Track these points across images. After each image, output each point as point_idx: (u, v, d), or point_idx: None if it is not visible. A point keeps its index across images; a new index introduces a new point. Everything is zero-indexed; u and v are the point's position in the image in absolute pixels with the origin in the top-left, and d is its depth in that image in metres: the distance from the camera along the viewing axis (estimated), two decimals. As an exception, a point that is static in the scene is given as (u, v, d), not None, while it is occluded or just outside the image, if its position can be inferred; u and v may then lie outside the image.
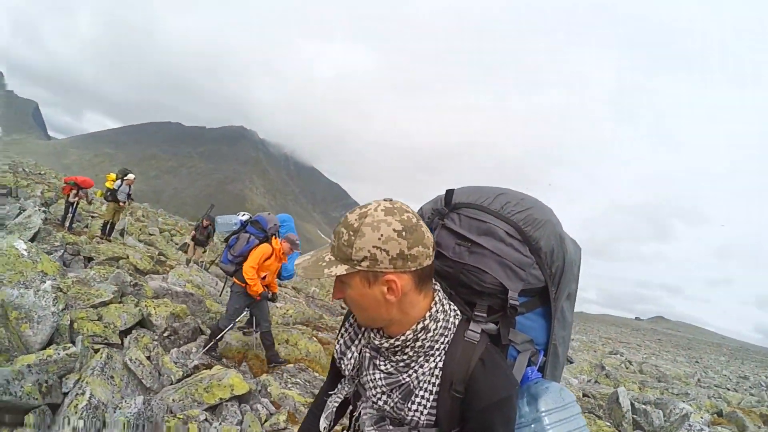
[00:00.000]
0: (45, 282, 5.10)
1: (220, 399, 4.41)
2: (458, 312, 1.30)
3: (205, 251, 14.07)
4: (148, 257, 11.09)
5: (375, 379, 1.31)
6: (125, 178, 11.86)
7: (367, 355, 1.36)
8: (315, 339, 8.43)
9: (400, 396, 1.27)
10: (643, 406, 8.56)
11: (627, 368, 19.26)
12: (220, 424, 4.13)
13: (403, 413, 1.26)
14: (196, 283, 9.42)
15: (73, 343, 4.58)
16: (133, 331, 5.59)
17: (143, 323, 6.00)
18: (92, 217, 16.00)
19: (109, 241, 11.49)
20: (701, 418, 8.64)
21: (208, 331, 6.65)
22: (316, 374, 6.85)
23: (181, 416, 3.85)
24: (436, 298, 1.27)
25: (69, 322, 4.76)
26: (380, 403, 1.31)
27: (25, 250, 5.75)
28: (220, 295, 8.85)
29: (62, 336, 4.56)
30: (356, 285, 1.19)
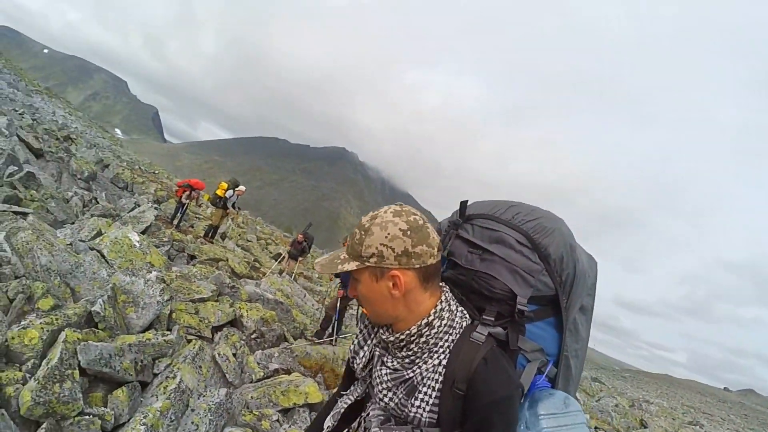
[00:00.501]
0: (151, 272, 5.65)
1: (294, 404, 4.59)
2: (466, 315, 1.34)
3: (297, 264, 14.73)
4: (245, 262, 11.83)
5: (382, 375, 1.36)
6: (236, 189, 12.83)
7: (377, 352, 1.42)
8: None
9: (404, 392, 1.30)
10: None
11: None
12: (290, 426, 4.30)
13: (406, 410, 1.29)
14: (285, 293, 9.89)
15: (170, 330, 5.01)
16: (224, 329, 5.98)
17: (234, 323, 6.41)
18: (197, 218, 17.32)
19: (212, 243, 12.40)
20: None
21: (292, 339, 6.97)
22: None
23: (257, 413, 4.06)
24: (443, 298, 1.33)
25: (169, 311, 5.23)
26: (386, 400, 1.34)
27: (138, 241, 6.42)
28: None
29: (161, 323, 5.00)
30: (365, 280, 1.28)
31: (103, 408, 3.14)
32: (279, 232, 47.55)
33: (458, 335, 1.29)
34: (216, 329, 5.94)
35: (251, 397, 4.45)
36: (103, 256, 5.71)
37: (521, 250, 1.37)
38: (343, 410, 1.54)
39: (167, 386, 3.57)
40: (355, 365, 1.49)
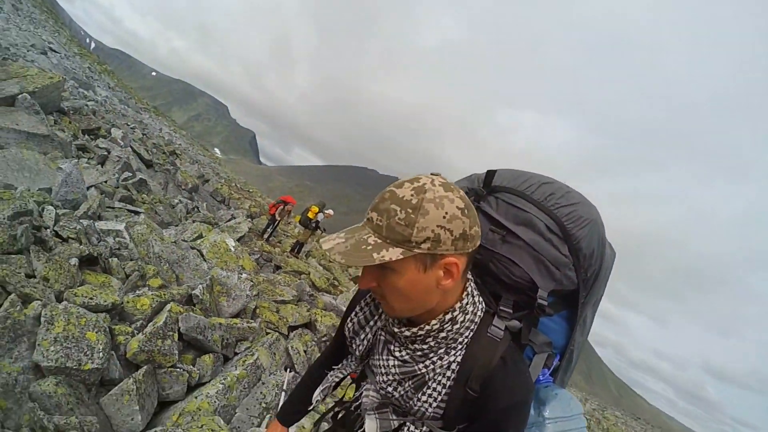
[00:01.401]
0: (242, 274, 6.38)
1: (350, 398, 4.97)
2: (484, 304, 1.19)
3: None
4: (325, 278, 12.52)
5: (388, 365, 1.22)
6: (326, 211, 13.76)
7: (382, 338, 1.27)
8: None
9: (412, 386, 1.19)
10: None
11: None
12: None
13: (411, 403, 1.19)
14: (357, 309, 10.36)
15: (253, 320, 5.64)
16: (299, 329, 6.55)
17: (308, 326, 6.97)
18: (286, 236, 18.40)
19: (297, 257, 13.27)
20: None
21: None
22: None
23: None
24: (469, 288, 1.16)
25: (254, 306, 5.88)
26: (389, 389, 1.23)
27: (233, 246, 7.23)
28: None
29: (247, 314, 5.64)
30: (409, 270, 1.04)
31: (191, 366, 3.73)
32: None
33: (476, 326, 1.16)
34: (292, 328, 6.51)
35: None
36: (202, 255, 6.54)
37: (551, 238, 1.22)
38: (334, 384, 1.46)
39: (246, 361, 4.13)
40: (354, 346, 1.36)
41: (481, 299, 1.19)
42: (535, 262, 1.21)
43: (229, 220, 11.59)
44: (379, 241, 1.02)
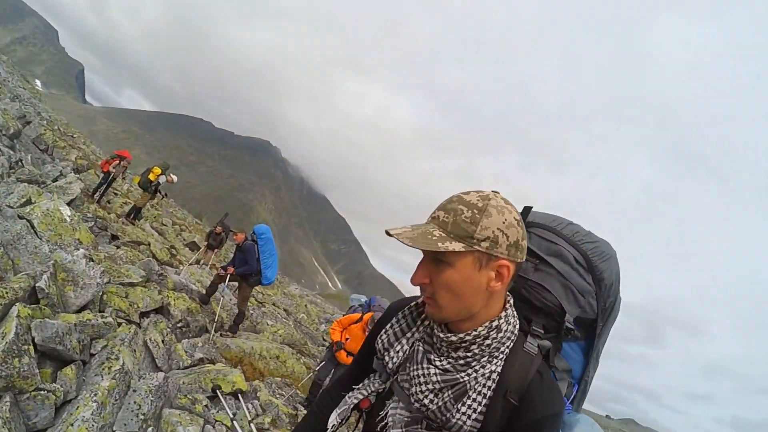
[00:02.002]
0: (79, 249, 5.60)
1: (222, 391, 4.82)
2: (518, 325, 1.26)
3: (213, 255, 14.54)
4: (166, 249, 11.58)
5: (429, 374, 1.21)
6: (169, 175, 12.52)
7: (421, 349, 1.27)
8: (301, 361, 8.81)
9: (451, 396, 1.18)
10: None
11: None
12: (218, 412, 4.53)
13: (449, 415, 1.18)
14: (204, 284, 9.84)
15: (102, 311, 5.05)
16: (151, 315, 6.03)
17: (160, 310, 6.44)
18: (115, 194, 16.40)
19: (134, 224, 12.01)
20: None
21: (213, 331, 7.09)
22: (298, 392, 7.21)
23: (190, 397, 4.27)
24: (509, 302, 1.24)
25: (101, 293, 5.23)
26: (426, 401, 1.21)
27: (69, 216, 6.28)
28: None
29: (95, 304, 5.01)
30: (465, 266, 1.11)
31: (54, 384, 3.23)
32: (190, 218, 45.72)
33: (513, 343, 1.22)
34: (143, 314, 5.97)
35: (183, 382, 4.63)
36: (32, 227, 5.56)
37: (578, 268, 1.35)
38: (353, 406, 1.41)
39: (111, 367, 3.70)
40: (386, 359, 1.33)
41: (516, 317, 1.25)
42: (563, 289, 1.32)
43: (57, 178, 9.87)
44: (443, 234, 1.11)
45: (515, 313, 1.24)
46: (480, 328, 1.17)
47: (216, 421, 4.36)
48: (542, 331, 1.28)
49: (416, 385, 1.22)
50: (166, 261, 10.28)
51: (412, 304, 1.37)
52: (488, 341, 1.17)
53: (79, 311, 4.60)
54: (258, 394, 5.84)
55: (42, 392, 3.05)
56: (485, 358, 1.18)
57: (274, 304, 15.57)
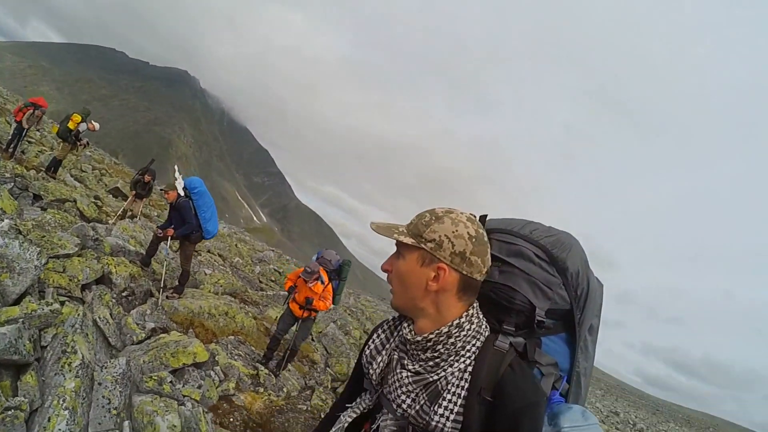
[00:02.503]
0: (3, 220, 5.08)
1: (184, 364, 4.72)
2: (488, 326, 1.32)
3: (143, 204, 13.71)
4: (92, 203, 10.72)
5: (402, 377, 1.29)
6: (90, 122, 11.35)
7: (395, 356, 1.36)
8: (250, 314, 8.75)
9: (426, 398, 1.24)
10: None
11: None
12: (183, 386, 4.46)
13: (428, 418, 1.22)
14: (139, 240, 9.29)
15: (42, 294, 4.67)
16: (94, 288, 5.64)
17: (102, 280, 6.05)
18: (29, 142, 14.83)
19: (54, 178, 10.96)
20: None
21: (157, 293, 6.80)
22: (253, 348, 7.22)
23: (155, 377, 4.14)
24: (474, 306, 1.31)
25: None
26: (404, 406, 1.27)
27: (-15, 183, 5.61)
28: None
29: (33, 287, 4.60)
30: (411, 259, 1.27)
31: (18, 398, 2.96)
32: (108, 158, 42.39)
33: (482, 342, 1.27)
34: (84, 287, 5.59)
35: (143, 361, 4.47)
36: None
37: (540, 263, 1.38)
38: (347, 424, 1.45)
39: (71, 363, 3.47)
40: (370, 371, 1.41)
41: (485, 319, 1.32)
42: (529, 285, 1.36)
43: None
44: (404, 231, 1.31)
45: (480, 314, 1.31)
46: (443, 328, 1.25)
47: (185, 396, 4.30)
48: (513, 329, 1.33)
49: (394, 391, 1.31)
50: (94, 217, 9.54)
51: (390, 319, 1.49)
52: (452, 339, 1.24)
53: (18, 300, 4.21)
54: (217, 359, 5.78)
55: (9, 412, 2.82)
56: (452, 357, 1.24)
57: (208, 251, 15.10)
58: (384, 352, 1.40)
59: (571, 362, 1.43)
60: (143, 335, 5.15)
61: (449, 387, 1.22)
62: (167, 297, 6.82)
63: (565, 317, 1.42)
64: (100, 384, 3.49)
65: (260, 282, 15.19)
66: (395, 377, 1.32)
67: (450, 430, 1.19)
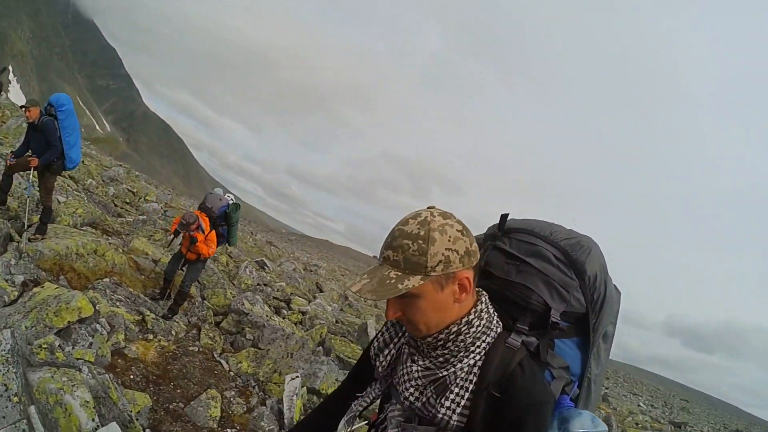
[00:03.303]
0: None
1: (69, 322, 4.12)
2: (500, 322, 1.28)
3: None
4: None
5: (412, 371, 1.27)
6: None
7: (406, 350, 1.34)
8: (120, 250, 7.86)
9: (434, 391, 1.22)
10: None
11: (365, 301, 19.92)
12: (74, 348, 3.93)
13: (434, 410, 1.21)
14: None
15: None
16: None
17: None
18: None
19: None
20: None
21: (18, 235, 5.72)
22: (131, 290, 6.58)
23: (44, 345, 3.56)
24: (482, 299, 1.26)
25: None
26: (411, 399, 1.26)
27: None
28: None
29: None
30: (428, 293, 1.16)
31: None
32: None
33: (494, 338, 1.24)
34: None
35: (25, 327, 3.79)
36: None
37: (558, 264, 1.35)
38: (359, 413, 1.43)
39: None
40: (377, 364, 1.39)
41: (495, 313, 1.28)
42: (546, 286, 1.33)
43: None
44: (399, 273, 1.14)
45: (491, 309, 1.27)
46: (452, 326, 1.20)
47: (78, 360, 3.81)
48: (527, 329, 1.30)
49: (403, 383, 1.29)
50: None
51: None
52: (461, 336, 1.20)
53: None
54: (98, 308, 5.16)
55: None
56: (462, 353, 1.20)
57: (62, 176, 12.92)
58: (392, 346, 1.38)
59: (582, 367, 1.41)
60: (15, 293, 4.34)
61: (457, 381, 1.20)
62: (29, 240, 5.76)
63: (580, 321, 1.39)
64: (-8, 365, 2.91)
65: (116, 206, 13.56)
66: (405, 370, 1.29)
67: (455, 423, 1.19)
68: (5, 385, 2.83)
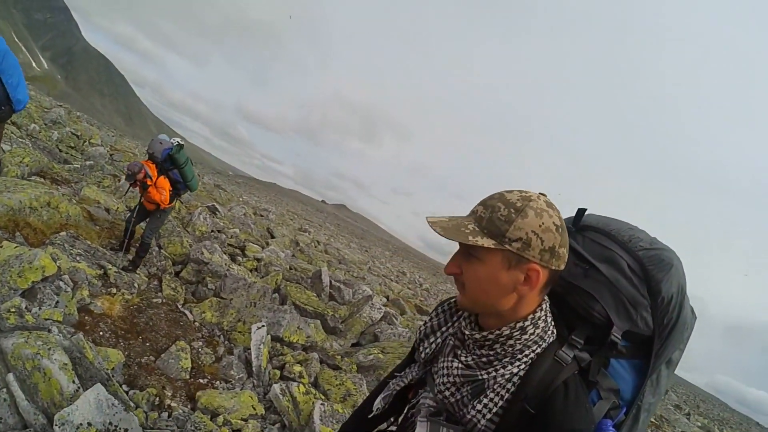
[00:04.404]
0: None
1: (33, 282, 3.92)
2: (555, 331, 1.14)
3: None
4: None
5: (452, 367, 1.16)
6: None
7: (451, 343, 1.24)
8: (73, 201, 7.38)
9: (469, 392, 1.12)
10: (337, 284, 10.05)
11: (316, 247, 20.22)
12: (41, 309, 3.76)
13: (465, 411, 1.11)
14: None
15: None
16: None
17: None
18: None
19: None
20: (379, 300, 10.19)
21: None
22: (88, 242, 6.25)
23: (13, 309, 3.38)
24: (544, 306, 1.13)
25: None
26: (446, 393, 1.16)
27: None
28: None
29: None
30: (494, 264, 1.05)
31: None
32: None
33: (543, 349, 1.10)
34: None
35: None
36: None
37: (631, 277, 1.17)
38: (395, 392, 1.37)
39: None
40: (420, 349, 1.31)
41: (553, 323, 1.14)
42: (613, 298, 1.16)
43: None
44: (477, 229, 1.06)
45: (549, 318, 1.14)
46: (504, 328, 1.10)
47: (46, 320, 3.66)
48: (582, 342, 1.14)
49: (441, 377, 1.19)
50: None
51: (452, 300, 1.33)
52: (511, 341, 1.09)
53: None
54: (59, 263, 4.90)
55: None
56: (507, 359, 1.09)
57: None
58: (438, 334, 1.29)
59: (635, 393, 1.20)
60: (-28, 256, 4.02)
61: (495, 387, 1.09)
62: (-23, 194, 5.27)
63: (643, 344, 1.19)
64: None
65: (61, 152, 12.51)
66: (445, 363, 1.20)
67: (483, 427, 1.09)
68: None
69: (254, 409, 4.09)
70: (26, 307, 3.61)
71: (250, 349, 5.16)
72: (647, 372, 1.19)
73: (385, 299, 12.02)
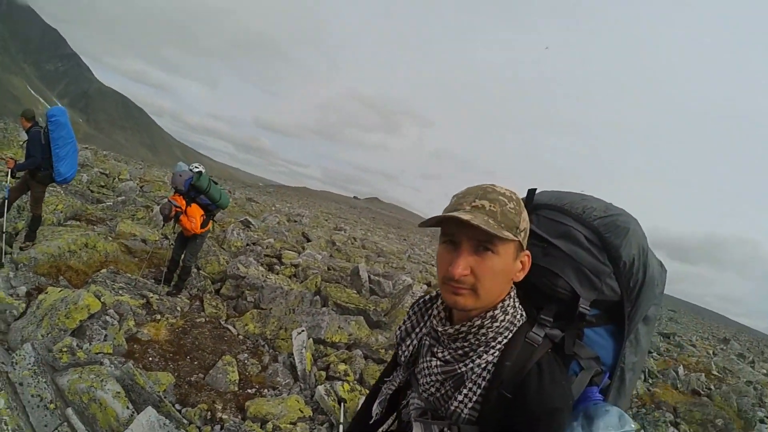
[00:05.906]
0: None
1: (80, 321, 4.25)
2: (524, 314, 1.16)
3: None
4: None
5: (431, 366, 1.18)
6: None
7: (426, 343, 1.25)
8: (109, 238, 7.83)
9: (452, 386, 1.15)
10: (376, 278, 10.15)
11: (353, 244, 20.50)
12: (91, 345, 4.08)
13: (448, 404, 1.14)
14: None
15: None
16: None
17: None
18: None
19: None
20: (420, 287, 10.18)
21: (7, 246, 5.66)
22: (128, 275, 6.65)
23: (65, 349, 3.70)
24: (511, 293, 1.15)
25: None
26: (432, 390, 1.19)
27: None
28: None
29: None
30: (508, 255, 1.07)
31: None
32: None
33: (514, 333, 1.12)
34: None
35: (41, 335, 3.90)
36: None
37: (590, 248, 1.19)
38: (388, 396, 1.40)
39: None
40: (400, 352, 1.33)
41: (521, 307, 1.16)
42: (575, 272, 1.18)
43: None
44: (493, 222, 1.04)
45: (517, 302, 1.16)
46: (475, 319, 1.11)
47: (97, 354, 3.97)
48: (551, 320, 1.16)
49: (424, 377, 1.21)
50: None
51: (421, 300, 1.34)
52: (483, 330, 1.11)
53: None
54: (103, 300, 5.26)
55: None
56: (481, 348, 1.11)
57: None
58: (413, 336, 1.30)
59: (615, 357, 1.24)
60: (23, 305, 4.39)
61: (473, 377, 1.11)
62: (21, 249, 5.72)
63: (613, 309, 1.23)
64: (21, 384, 3.02)
65: (93, 192, 13.23)
66: (425, 363, 1.21)
67: (467, 416, 1.11)
68: (39, 396, 2.99)
69: (301, 412, 4.29)
70: (77, 345, 3.92)
71: (293, 354, 5.38)
72: (624, 334, 1.23)
73: (425, 286, 12.04)
